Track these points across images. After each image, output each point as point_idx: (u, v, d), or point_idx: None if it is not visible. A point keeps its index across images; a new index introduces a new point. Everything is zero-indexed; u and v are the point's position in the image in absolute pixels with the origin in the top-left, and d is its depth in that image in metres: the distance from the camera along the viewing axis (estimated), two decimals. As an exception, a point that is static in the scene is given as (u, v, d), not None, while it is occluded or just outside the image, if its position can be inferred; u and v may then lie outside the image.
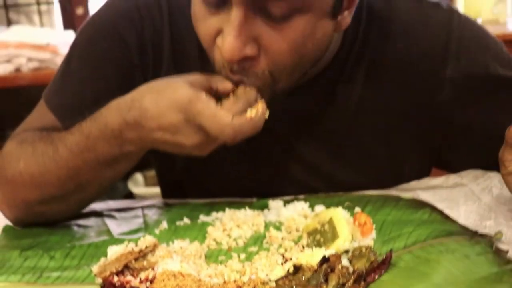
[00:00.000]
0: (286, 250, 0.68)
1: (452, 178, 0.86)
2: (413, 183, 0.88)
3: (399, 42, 0.81)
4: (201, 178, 0.89)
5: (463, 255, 0.63)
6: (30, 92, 2.25)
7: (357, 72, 0.82)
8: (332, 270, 0.59)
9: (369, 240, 0.67)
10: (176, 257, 0.63)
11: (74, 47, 0.86)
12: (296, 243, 0.69)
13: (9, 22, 2.44)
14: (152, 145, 0.72)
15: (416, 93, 0.81)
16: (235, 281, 0.59)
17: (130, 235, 0.75)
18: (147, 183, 2.20)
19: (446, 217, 0.74)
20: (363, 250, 0.62)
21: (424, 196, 0.81)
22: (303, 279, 0.58)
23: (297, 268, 0.59)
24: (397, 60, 0.81)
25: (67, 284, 0.65)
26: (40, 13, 2.47)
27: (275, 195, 0.84)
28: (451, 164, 0.89)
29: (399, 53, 0.81)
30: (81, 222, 0.81)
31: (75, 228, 0.80)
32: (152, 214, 0.82)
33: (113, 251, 0.66)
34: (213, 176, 0.88)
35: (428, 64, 0.80)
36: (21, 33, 2.05)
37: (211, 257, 0.69)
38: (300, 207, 0.78)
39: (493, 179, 0.82)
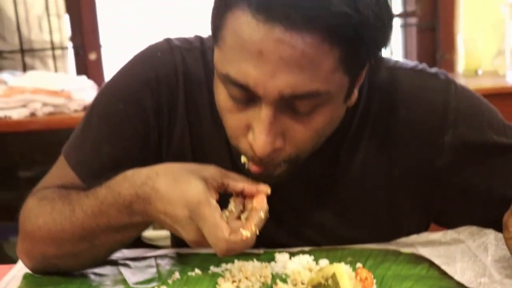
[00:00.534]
0: (292, 303, 0.72)
1: (450, 234, 0.91)
2: (413, 237, 0.92)
3: (400, 110, 0.86)
4: None
5: (458, 311, 0.67)
6: (43, 136, 2.33)
7: (360, 138, 0.87)
8: (335, 324, 0.63)
9: (369, 295, 0.72)
10: (189, 308, 0.68)
11: (93, 107, 0.90)
12: (301, 295, 0.74)
13: (24, 66, 2.52)
14: (155, 221, 0.76)
15: (417, 158, 0.86)
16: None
17: (144, 285, 0.80)
18: (155, 227, 2.25)
19: (443, 273, 0.78)
20: (364, 304, 0.67)
21: (423, 251, 0.85)
22: (308, 332, 0.63)
23: (302, 321, 0.64)
24: (398, 128, 0.86)
25: (87, 332, 0.69)
26: (54, 58, 2.55)
27: (281, 247, 0.88)
28: (448, 223, 0.93)
29: (400, 120, 0.86)
30: (97, 270, 0.85)
31: (92, 276, 0.84)
32: (165, 264, 0.86)
33: (130, 301, 0.70)
34: None
35: (428, 132, 0.85)
36: (37, 78, 2.14)
37: (221, 307, 0.73)
38: (305, 260, 0.82)
39: (489, 236, 0.87)
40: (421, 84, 0.86)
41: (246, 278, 0.79)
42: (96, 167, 0.85)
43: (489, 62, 2.36)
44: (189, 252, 0.91)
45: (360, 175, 0.87)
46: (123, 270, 0.85)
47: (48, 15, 2.50)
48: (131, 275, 0.84)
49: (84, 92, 2.16)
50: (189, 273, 0.82)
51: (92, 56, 2.61)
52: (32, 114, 2.04)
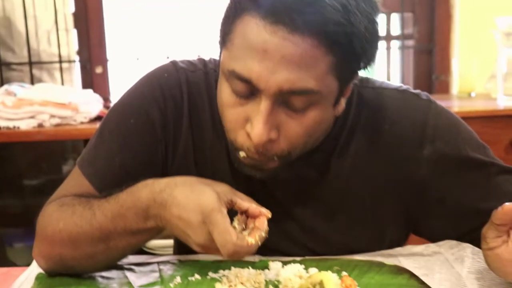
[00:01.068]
0: (282, 306, 0.79)
1: (431, 247, 0.98)
2: (397, 250, 0.99)
3: (384, 125, 0.94)
4: None
5: (432, 317, 0.74)
6: (49, 146, 2.40)
7: (348, 148, 0.95)
8: (320, 324, 0.70)
9: (353, 300, 0.79)
10: (189, 308, 0.75)
11: (105, 123, 0.98)
12: (291, 300, 0.81)
13: (32, 78, 2.60)
14: (167, 226, 0.83)
15: (398, 169, 0.95)
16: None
17: (148, 287, 0.87)
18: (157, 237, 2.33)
19: (422, 283, 0.85)
20: (348, 308, 0.74)
21: (405, 263, 0.92)
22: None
23: (291, 322, 0.71)
24: (382, 141, 0.94)
25: (96, 328, 0.76)
26: (61, 70, 2.63)
27: (275, 251, 0.96)
28: (426, 233, 1.01)
29: (384, 134, 0.94)
30: (104, 274, 0.92)
31: (99, 279, 0.91)
32: (167, 269, 0.93)
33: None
34: None
35: (408, 146, 0.94)
36: (45, 91, 2.21)
37: (218, 309, 0.80)
38: (296, 268, 0.89)
39: (466, 250, 0.94)
40: (404, 102, 0.95)
41: (242, 283, 0.86)
42: (110, 177, 0.93)
43: (482, 86, 2.43)
44: (190, 259, 0.98)
45: (348, 183, 0.96)
46: (128, 274, 0.92)
47: (57, 29, 2.58)
48: (135, 279, 0.91)
49: (90, 105, 2.23)
50: (189, 278, 0.89)
51: (98, 70, 2.69)
52: (40, 125, 2.11)
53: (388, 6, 2.70)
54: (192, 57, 1.03)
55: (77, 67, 2.70)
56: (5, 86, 2.25)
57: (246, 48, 0.78)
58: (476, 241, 0.88)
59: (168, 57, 2.58)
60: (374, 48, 0.83)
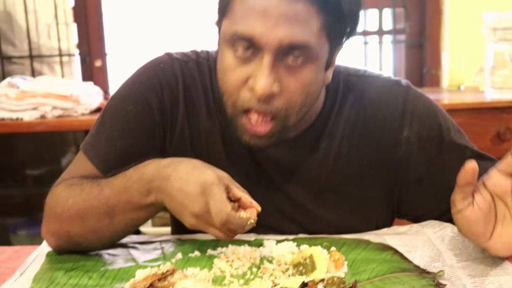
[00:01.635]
0: (275, 278, 0.86)
1: (415, 227, 1.05)
2: (384, 230, 1.06)
3: (368, 109, 1.03)
4: None
5: (411, 286, 0.81)
6: (51, 137, 2.46)
7: (335, 130, 1.03)
8: (310, 292, 0.77)
9: (341, 273, 0.86)
10: (190, 279, 0.82)
11: (106, 110, 1.05)
12: (283, 273, 0.88)
13: (32, 71, 2.66)
14: (166, 200, 0.90)
15: (380, 151, 1.03)
16: (236, 296, 0.78)
17: (151, 263, 0.94)
18: (154, 224, 2.41)
19: (405, 258, 0.92)
20: (335, 279, 0.81)
21: (390, 241, 0.99)
22: (287, 298, 0.77)
23: (283, 290, 0.78)
24: (366, 123, 1.03)
25: (105, 297, 0.83)
26: (61, 64, 2.69)
27: (268, 227, 1.03)
28: (408, 213, 1.09)
29: (368, 118, 1.03)
30: (110, 251, 0.99)
31: (106, 256, 0.98)
32: (169, 247, 1.00)
33: (141, 273, 0.85)
34: None
35: (389, 129, 1.02)
36: (47, 83, 2.27)
37: (217, 281, 0.87)
38: (289, 246, 0.96)
39: (447, 229, 1.01)
40: (385, 89, 1.04)
41: (238, 259, 0.93)
42: (112, 159, 1.01)
43: (471, 79, 2.50)
44: (189, 238, 1.05)
45: (335, 163, 1.04)
46: (132, 251, 0.99)
47: (57, 23, 2.64)
48: (139, 255, 0.98)
49: (91, 97, 2.30)
50: (190, 254, 0.96)
51: (98, 63, 2.76)
52: (42, 117, 2.17)
53: (380, 1, 2.77)
54: (188, 49, 1.11)
55: (76, 61, 2.76)
56: (8, 79, 2.31)
57: (247, 11, 0.86)
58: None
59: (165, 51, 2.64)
60: (358, 13, 0.92)
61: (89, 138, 1.05)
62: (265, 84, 0.86)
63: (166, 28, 2.74)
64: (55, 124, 2.15)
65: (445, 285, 0.82)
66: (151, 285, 0.82)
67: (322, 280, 0.82)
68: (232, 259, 0.93)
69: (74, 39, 2.73)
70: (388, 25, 2.82)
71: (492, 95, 2.21)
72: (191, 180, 0.88)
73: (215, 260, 0.93)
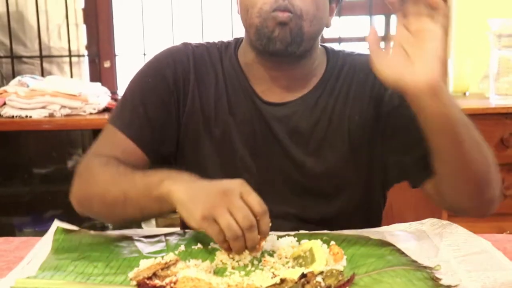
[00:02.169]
0: (276, 270, 0.88)
1: (415, 225, 1.08)
2: (384, 228, 1.09)
3: (361, 73, 1.17)
4: None
5: (408, 279, 0.83)
6: (59, 136, 2.50)
7: (332, 90, 1.17)
8: (308, 283, 0.79)
9: (339, 266, 0.88)
10: (193, 268, 0.84)
11: (129, 85, 1.20)
12: (284, 265, 0.90)
13: (42, 71, 2.70)
14: (178, 190, 0.94)
15: (369, 107, 1.15)
16: (236, 285, 0.80)
17: (155, 254, 0.96)
18: (158, 225, 2.44)
19: (403, 253, 0.94)
20: (334, 271, 0.83)
21: (390, 238, 1.01)
22: (286, 288, 0.79)
23: (282, 280, 0.80)
24: (358, 87, 1.17)
25: (109, 285, 0.85)
26: (71, 64, 2.73)
27: (266, 184, 1.11)
28: (392, 171, 1.16)
29: (360, 80, 1.17)
30: (116, 243, 1.02)
31: (111, 247, 1.00)
32: (172, 240, 1.03)
33: (145, 262, 0.87)
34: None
35: (376, 90, 1.15)
36: (56, 82, 2.31)
37: (218, 273, 0.89)
38: (289, 240, 0.98)
39: (446, 227, 1.03)
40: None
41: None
42: (136, 124, 1.15)
43: (476, 85, 2.51)
44: (193, 231, 1.07)
45: (331, 120, 1.16)
46: (137, 243, 1.02)
47: (67, 24, 2.68)
48: (144, 247, 1.00)
49: (100, 97, 2.33)
50: (193, 247, 0.98)
51: (106, 64, 2.79)
52: (51, 115, 2.21)
53: (387, 8, 2.79)
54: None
55: (85, 61, 2.80)
56: (18, 78, 2.35)
57: None
58: (427, 168, 1.05)
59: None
60: None
61: (115, 111, 1.20)
62: None
63: (176, 29, 2.77)
64: (63, 123, 2.18)
65: (441, 279, 0.84)
66: (154, 274, 0.84)
67: (321, 273, 0.84)
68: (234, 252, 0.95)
69: (84, 40, 2.77)
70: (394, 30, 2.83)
71: (496, 101, 2.23)
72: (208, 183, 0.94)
73: (217, 253, 0.95)
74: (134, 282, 0.84)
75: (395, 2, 0.94)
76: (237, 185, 0.90)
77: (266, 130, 1.16)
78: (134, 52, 2.81)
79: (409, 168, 1.12)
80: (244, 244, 0.88)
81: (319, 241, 0.92)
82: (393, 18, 2.81)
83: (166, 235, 1.06)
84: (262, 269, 0.90)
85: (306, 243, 0.92)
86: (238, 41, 1.23)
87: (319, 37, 1.17)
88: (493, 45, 2.19)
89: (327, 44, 1.25)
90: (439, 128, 0.96)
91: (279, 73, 1.15)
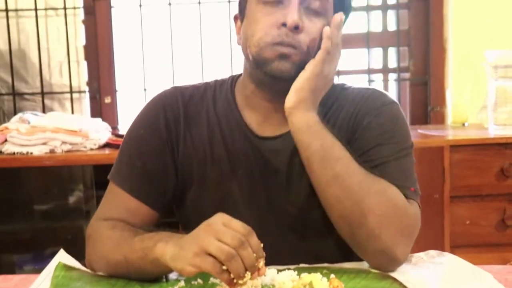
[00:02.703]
0: (276, 304, 0.88)
1: (415, 256, 1.07)
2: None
3: (349, 107, 1.16)
4: None
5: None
6: (60, 172, 2.50)
7: (331, 117, 1.16)
8: (308, 317, 0.79)
9: (340, 300, 0.88)
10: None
11: (125, 139, 1.21)
12: (284, 300, 0.90)
13: (43, 107, 2.72)
14: (168, 246, 0.94)
15: (352, 134, 1.14)
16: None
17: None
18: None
19: (403, 286, 0.93)
20: (334, 305, 0.83)
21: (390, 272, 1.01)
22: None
23: (282, 314, 0.80)
24: (345, 118, 1.16)
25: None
26: (72, 100, 2.74)
27: (264, 219, 1.13)
28: None
29: (347, 113, 1.16)
30: (116, 280, 1.02)
31: (112, 281, 1.00)
32: (172, 275, 1.02)
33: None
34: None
35: (359, 117, 1.14)
36: (57, 118, 2.32)
37: (218, 308, 0.89)
38: (289, 274, 0.98)
39: (446, 258, 1.03)
40: (374, 95, 1.17)
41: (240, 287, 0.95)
42: (135, 179, 1.14)
43: (475, 116, 2.53)
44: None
45: None
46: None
47: (68, 61, 2.71)
48: (144, 283, 1.00)
49: (100, 132, 2.34)
50: (192, 282, 0.98)
51: (107, 100, 2.81)
52: (52, 151, 2.21)
53: (385, 40, 2.83)
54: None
55: (86, 97, 2.82)
56: (19, 114, 2.36)
57: None
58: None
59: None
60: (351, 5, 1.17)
61: (114, 167, 1.19)
62: (296, 17, 1.04)
63: (176, 64, 2.80)
64: (64, 159, 2.19)
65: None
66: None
67: (321, 306, 0.83)
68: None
69: (85, 76, 2.80)
70: (392, 63, 2.87)
71: (495, 131, 2.24)
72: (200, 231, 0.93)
73: (217, 288, 0.95)
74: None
75: None
76: (217, 217, 0.92)
77: (262, 164, 1.15)
78: (135, 87, 2.84)
79: None
80: (242, 264, 0.87)
81: (319, 275, 0.91)
82: (391, 51, 2.85)
83: (165, 270, 1.05)
84: (262, 303, 0.89)
85: (306, 277, 0.91)
86: (234, 78, 1.22)
87: None
88: (490, 76, 2.21)
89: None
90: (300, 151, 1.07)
91: (277, 105, 1.13)
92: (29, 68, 2.74)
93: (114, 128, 2.62)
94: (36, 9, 2.68)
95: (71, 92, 2.73)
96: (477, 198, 2.19)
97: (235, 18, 1.18)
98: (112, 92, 2.82)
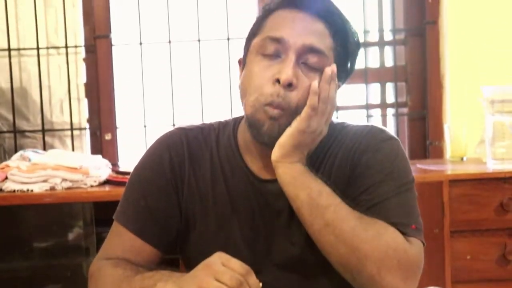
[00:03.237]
0: None
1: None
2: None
3: (347, 145, 1.18)
4: None
5: None
6: (60, 209, 2.49)
7: (321, 164, 1.18)
8: None
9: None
10: None
11: (130, 179, 1.24)
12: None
13: (44, 145, 2.73)
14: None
15: (352, 171, 1.15)
16: None
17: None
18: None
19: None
20: None
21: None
22: None
23: None
24: (342, 153, 1.17)
25: None
26: (72, 137, 2.76)
27: (266, 260, 1.15)
28: None
29: (344, 153, 1.17)
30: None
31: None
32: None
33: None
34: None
35: (356, 155, 1.15)
36: (57, 156, 2.33)
37: None
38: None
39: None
40: (372, 131, 1.18)
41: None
42: (140, 219, 1.17)
43: (473, 150, 2.53)
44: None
45: (326, 178, 1.14)
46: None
47: (69, 98, 2.73)
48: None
49: (100, 169, 2.34)
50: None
51: (108, 137, 2.83)
52: (52, 188, 2.22)
53: (382, 76, 2.86)
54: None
55: (87, 134, 2.83)
56: (20, 152, 2.37)
57: (278, 22, 1.11)
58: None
59: (174, 125, 2.72)
60: (356, 58, 1.19)
61: (119, 207, 1.22)
62: (290, 74, 1.06)
63: (176, 102, 2.82)
64: (64, 196, 2.19)
65: None
66: None
67: None
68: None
69: (85, 113, 2.81)
70: (390, 98, 2.89)
71: (494, 166, 2.25)
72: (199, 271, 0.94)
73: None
74: None
75: None
76: (216, 257, 0.93)
77: (264, 205, 1.16)
78: (135, 124, 2.85)
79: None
80: None
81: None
82: (388, 87, 2.88)
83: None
84: None
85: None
86: (236, 121, 1.25)
87: None
88: (486, 110, 2.23)
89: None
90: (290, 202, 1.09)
91: None
92: (30, 105, 2.76)
93: (115, 164, 2.63)
94: (38, 48, 2.71)
95: (71, 129, 2.75)
96: (477, 233, 2.18)
97: (239, 62, 1.22)
98: (113, 129, 2.84)
